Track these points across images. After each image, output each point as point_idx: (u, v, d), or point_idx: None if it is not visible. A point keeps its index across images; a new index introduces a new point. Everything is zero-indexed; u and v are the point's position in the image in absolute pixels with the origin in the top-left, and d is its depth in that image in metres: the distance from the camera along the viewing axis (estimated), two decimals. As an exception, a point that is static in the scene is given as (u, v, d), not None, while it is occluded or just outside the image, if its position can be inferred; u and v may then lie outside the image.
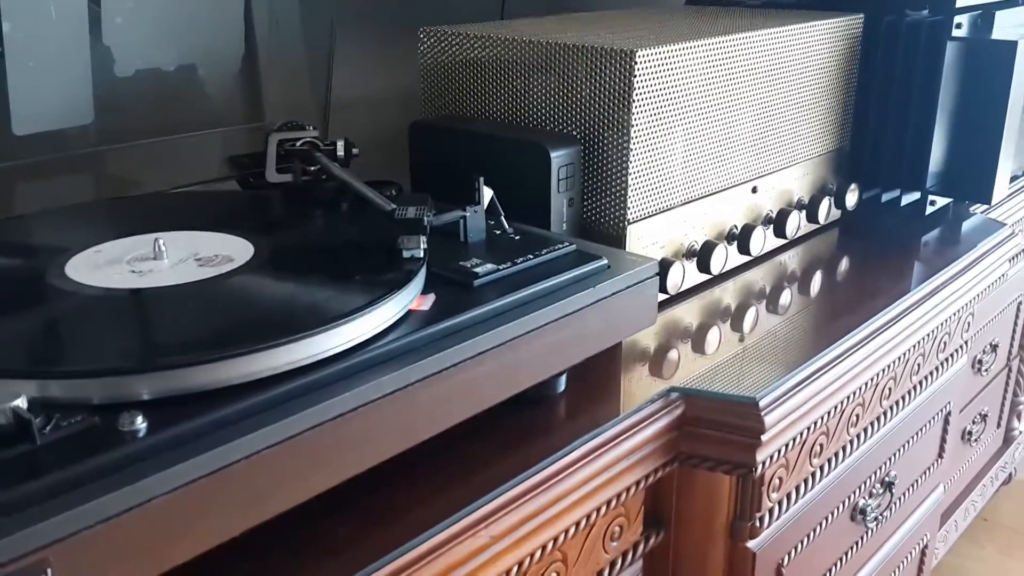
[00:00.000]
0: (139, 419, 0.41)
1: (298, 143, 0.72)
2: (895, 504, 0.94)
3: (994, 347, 1.26)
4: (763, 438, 0.64)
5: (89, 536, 0.38)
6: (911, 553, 1.03)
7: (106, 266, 0.55)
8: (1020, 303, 1.32)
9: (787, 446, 0.68)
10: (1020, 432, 1.47)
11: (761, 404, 0.65)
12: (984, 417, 1.32)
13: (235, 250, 0.58)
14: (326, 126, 0.92)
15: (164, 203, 0.74)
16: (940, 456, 1.04)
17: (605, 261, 0.63)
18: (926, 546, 1.07)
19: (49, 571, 0.37)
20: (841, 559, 0.87)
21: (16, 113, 0.71)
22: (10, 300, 0.53)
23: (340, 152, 0.72)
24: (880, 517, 0.90)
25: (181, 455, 0.40)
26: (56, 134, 0.74)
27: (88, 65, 0.74)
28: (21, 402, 0.40)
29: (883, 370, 0.79)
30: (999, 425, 1.42)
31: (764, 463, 0.66)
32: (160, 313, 0.51)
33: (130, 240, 0.60)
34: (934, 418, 0.99)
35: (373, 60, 1.03)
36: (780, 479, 0.73)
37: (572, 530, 0.59)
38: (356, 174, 0.69)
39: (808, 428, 0.70)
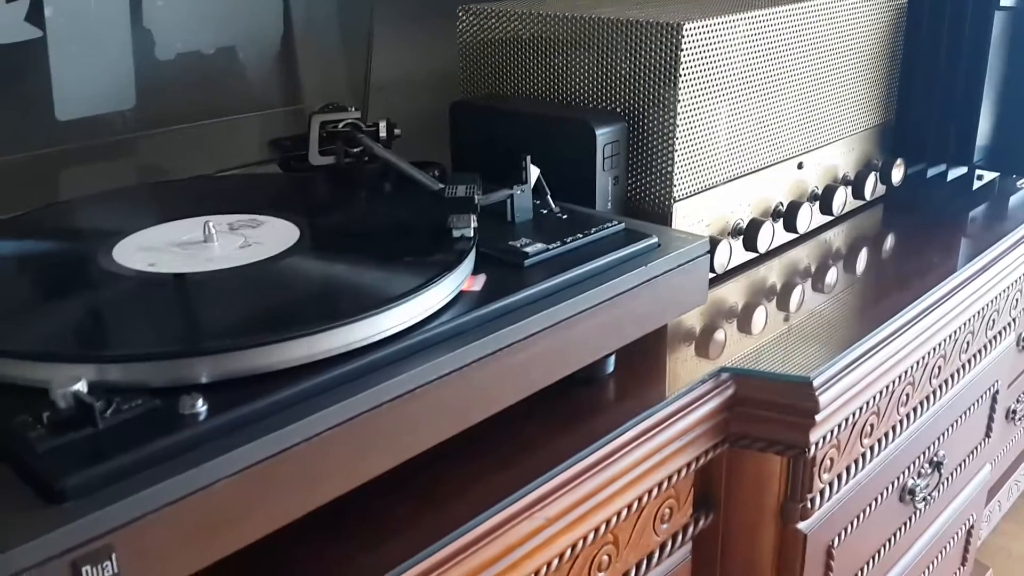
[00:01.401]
0: (199, 402, 0.41)
1: (340, 125, 0.71)
2: (943, 484, 0.93)
3: (1040, 325, 1.24)
4: (817, 418, 0.63)
5: (153, 520, 0.37)
6: (957, 533, 1.02)
7: (158, 250, 0.55)
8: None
9: (839, 426, 0.67)
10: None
11: (815, 384, 0.63)
12: (1029, 396, 1.30)
13: (284, 233, 0.58)
14: (366, 107, 0.91)
15: (209, 187, 0.73)
16: (987, 435, 1.03)
17: (655, 239, 0.62)
18: (972, 526, 1.05)
19: (113, 556, 0.36)
20: (890, 540, 0.86)
21: (59, 98, 0.71)
22: (64, 285, 0.53)
23: (383, 133, 0.71)
24: (928, 497, 0.89)
25: (242, 438, 0.40)
26: (98, 119, 0.74)
27: (129, 49, 0.74)
28: (82, 386, 0.40)
29: (933, 349, 0.77)
30: (1043, 404, 1.39)
31: (816, 444, 0.65)
32: (215, 296, 0.51)
33: (179, 224, 0.59)
34: (982, 397, 0.97)
35: (410, 40, 1.02)
36: (831, 460, 0.72)
37: (624, 512, 0.59)
38: (399, 155, 0.69)
39: (860, 408, 0.69)
